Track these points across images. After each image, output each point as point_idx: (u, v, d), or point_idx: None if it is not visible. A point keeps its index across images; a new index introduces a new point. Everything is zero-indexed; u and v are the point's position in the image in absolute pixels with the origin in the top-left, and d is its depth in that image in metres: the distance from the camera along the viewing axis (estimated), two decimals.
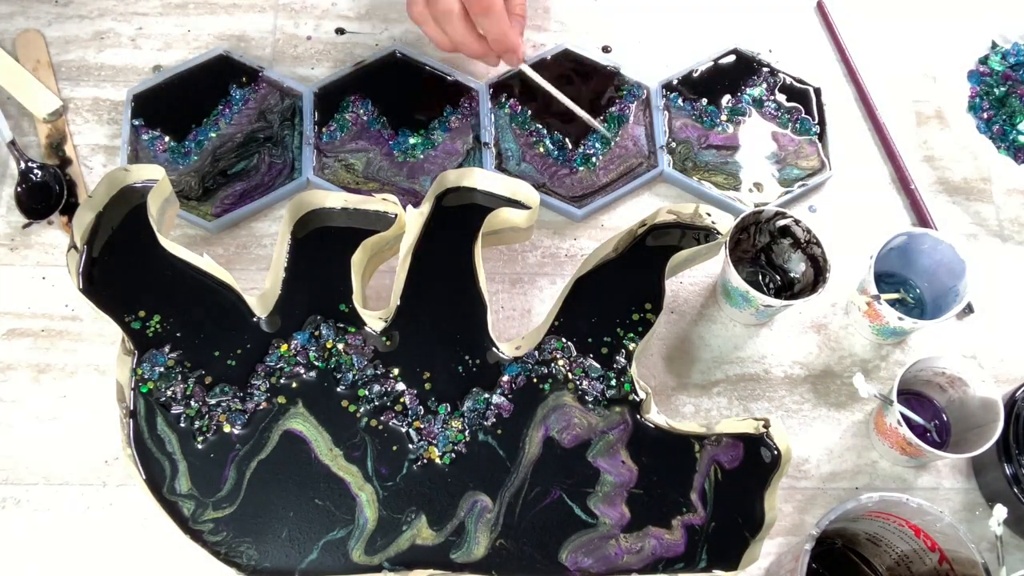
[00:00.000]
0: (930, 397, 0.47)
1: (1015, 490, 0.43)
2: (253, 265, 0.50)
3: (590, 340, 0.43)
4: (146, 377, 0.41)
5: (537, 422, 0.41)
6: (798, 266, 0.49)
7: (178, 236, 0.50)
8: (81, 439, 0.45)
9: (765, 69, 0.55)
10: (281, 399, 0.41)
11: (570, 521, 0.39)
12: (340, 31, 0.56)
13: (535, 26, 0.57)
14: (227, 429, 0.40)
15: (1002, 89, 0.54)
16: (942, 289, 0.48)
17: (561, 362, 0.42)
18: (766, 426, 0.41)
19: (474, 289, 0.43)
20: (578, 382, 0.42)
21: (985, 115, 0.54)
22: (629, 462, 0.40)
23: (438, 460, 0.40)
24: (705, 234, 0.45)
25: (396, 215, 0.44)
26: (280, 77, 0.53)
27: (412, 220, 0.43)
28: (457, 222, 0.44)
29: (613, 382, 0.42)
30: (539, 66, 0.54)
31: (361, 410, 0.41)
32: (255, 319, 0.42)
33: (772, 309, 0.46)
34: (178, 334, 0.42)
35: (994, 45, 0.56)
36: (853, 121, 0.55)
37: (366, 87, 0.53)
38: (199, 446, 0.40)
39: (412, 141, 0.52)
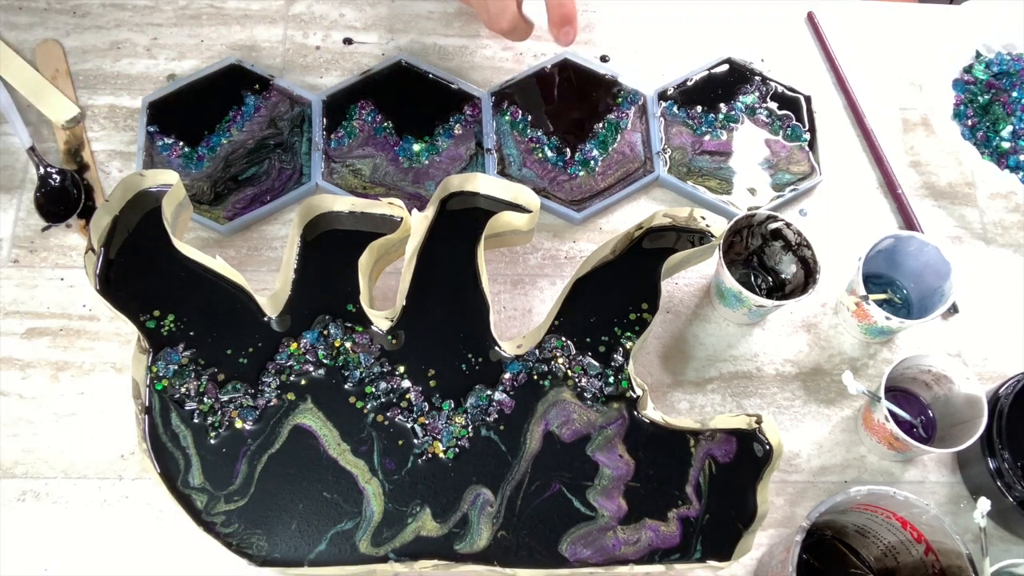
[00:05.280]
0: (916, 394, 0.48)
1: (998, 483, 0.44)
2: (264, 267, 0.51)
3: (589, 339, 0.43)
4: (161, 375, 0.41)
5: (538, 418, 0.42)
6: (789, 268, 0.50)
7: (191, 239, 0.51)
8: (98, 434, 0.46)
9: (757, 78, 0.57)
10: (291, 396, 0.41)
11: (569, 513, 0.40)
12: (348, 41, 0.57)
13: (534, 36, 0.59)
14: (239, 425, 0.41)
15: (986, 97, 0.56)
16: (928, 290, 0.49)
17: (561, 360, 0.43)
18: (758, 422, 0.41)
19: (477, 290, 0.44)
20: (577, 379, 0.43)
21: (969, 122, 0.55)
22: (626, 456, 0.41)
23: (442, 455, 0.41)
24: (699, 237, 0.46)
25: (402, 218, 0.44)
26: (290, 85, 0.54)
27: (417, 223, 0.44)
28: (460, 225, 0.45)
29: (611, 379, 0.43)
30: (540, 74, 0.56)
31: (368, 406, 0.41)
32: (266, 319, 0.43)
33: (764, 309, 0.47)
34: (192, 333, 0.42)
35: (978, 55, 0.57)
36: (842, 128, 0.57)
37: (373, 95, 0.54)
38: (212, 441, 0.40)
39: (417, 147, 0.53)
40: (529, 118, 0.54)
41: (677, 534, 0.40)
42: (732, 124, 0.55)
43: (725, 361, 0.50)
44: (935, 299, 0.47)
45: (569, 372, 0.43)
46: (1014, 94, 0.55)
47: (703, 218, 0.46)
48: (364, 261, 0.43)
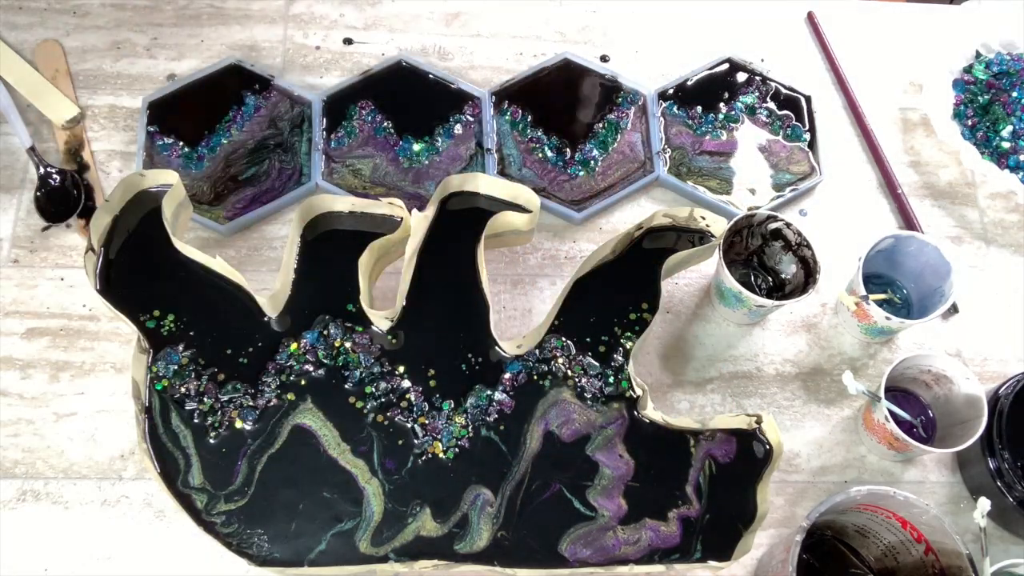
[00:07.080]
0: (916, 394, 0.48)
1: (998, 483, 0.44)
2: (264, 267, 0.51)
3: (589, 339, 0.43)
4: (161, 374, 0.41)
5: (538, 417, 0.42)
6: (789, 268, 0.50)
7: (191, 239, 0.51)
8: (98, 434, 0.46)
9: (757, 78, 0.57)
10: (291, 396, 0.42)
11: (569, 513, 0.40)
12: (348, 41, 0.57)
13: (535, 36, 0.59)
14: (239, 425, 0.41)
15: (986, 97, 0.56)
16: (928, 290, 0.49)
17: (561, 360, 0.43)
18: (758, 422, 0.42)
19: (477, 290, 0.44)
20: (577, 379, 0.43)
21: (969, 122, 0.55)
22: (626, 456, 0.41)
23: (442, 455, 0.41)
24: (699, 237, 0.46)
25: (402, 218, 0.45)
26: (290, 85, 0.54)
27: (417, 223, 0.44)
28: (460, 225, 0.45)
29: (611, 379, 0.43)
30: (540, 74, 0.56)
31: (368, 406, 0.42)
32: (266, 318, 0.43)
33: (764, 309, 0.48)
34: (192, 333, 0.42)
35: (978, 55, 0.58)
36: (842, 128, 0.57)
37: (373, 95, 0.54)
38: (212, 441, 0.40)
39: (417, 147, 0.53)
40: (529, 118, 0.54)
41: (677, 534, 0.40)
42: (732, 124, 0.55)
43: (725, 361, 0.50)
44: (935, 299, 0.47)
45: (569, 372, 0.43)
46: (1014, 94, 0.55)
47: (703, 218, 0.46)
48: (364, 261, 0.43)
